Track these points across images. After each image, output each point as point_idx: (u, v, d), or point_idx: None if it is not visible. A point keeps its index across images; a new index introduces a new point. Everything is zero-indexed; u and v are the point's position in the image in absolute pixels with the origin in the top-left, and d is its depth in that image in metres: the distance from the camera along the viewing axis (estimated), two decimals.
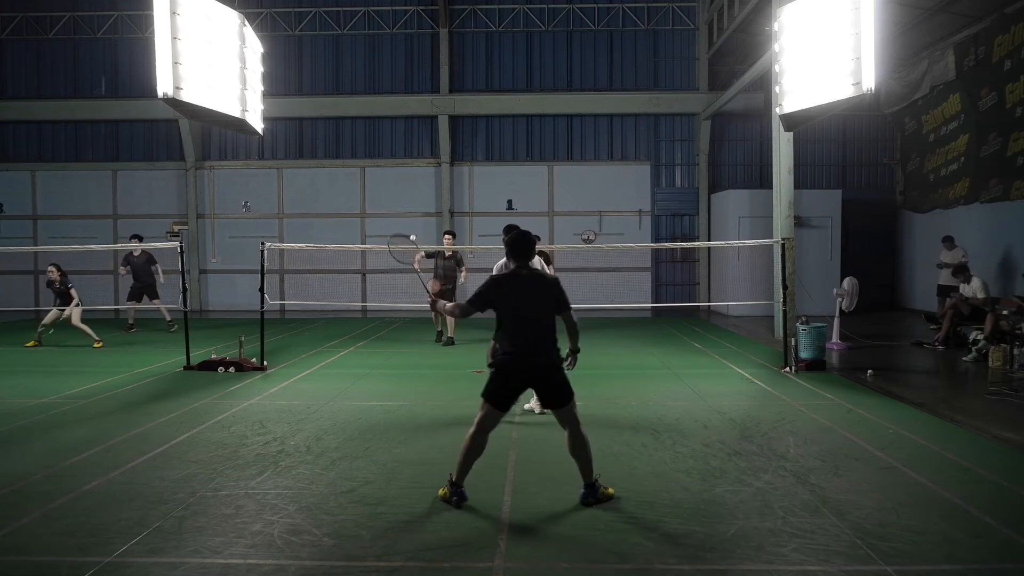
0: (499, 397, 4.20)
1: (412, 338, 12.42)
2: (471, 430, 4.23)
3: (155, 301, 13.45)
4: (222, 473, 4.86)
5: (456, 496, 4.21)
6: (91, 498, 4.39)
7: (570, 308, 4.41)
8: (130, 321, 13.50)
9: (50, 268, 11.56)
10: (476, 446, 4.22)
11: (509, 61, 17.43)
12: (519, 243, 4.45)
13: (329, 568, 3.46)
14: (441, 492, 4.31)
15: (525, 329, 4.22)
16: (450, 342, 11.33)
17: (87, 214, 17.60)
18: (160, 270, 13.47)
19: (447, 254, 11.47)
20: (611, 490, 4.38)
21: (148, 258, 13.42)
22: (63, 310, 11.47)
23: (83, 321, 11.50)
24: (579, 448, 4.28)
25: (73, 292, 11.52)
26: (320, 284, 16.83)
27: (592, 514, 4.14)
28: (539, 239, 11.64)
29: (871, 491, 4.47)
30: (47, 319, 11.55)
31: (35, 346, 11.33)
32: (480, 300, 4.27)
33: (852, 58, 7.48)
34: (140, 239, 13.61)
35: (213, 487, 4.57)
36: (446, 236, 11.83)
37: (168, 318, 13.35)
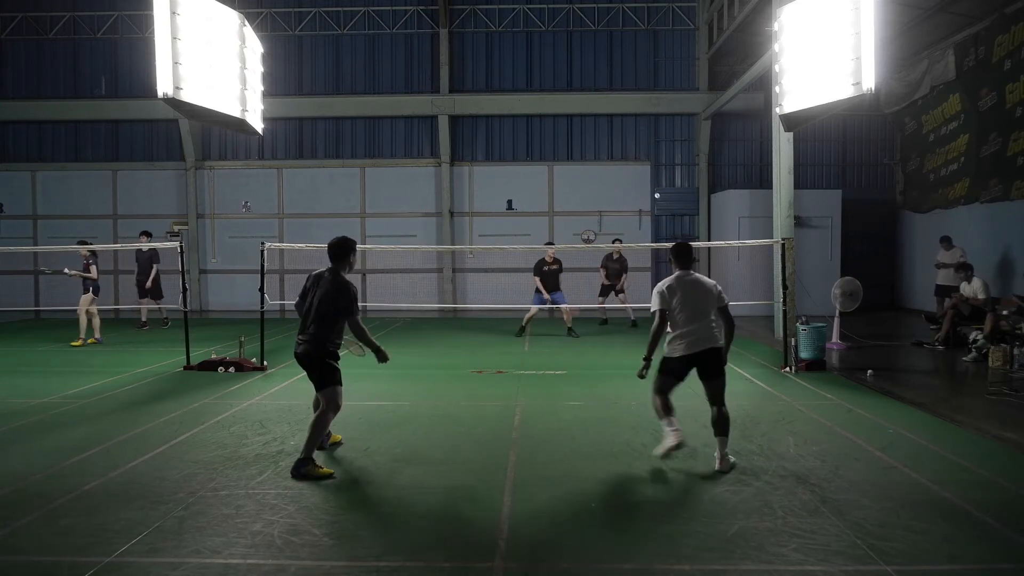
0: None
1: (412, 338, 12.42)
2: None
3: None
4: (222, 473, 4.86)
5: None
6: (91, 498, 4.39)
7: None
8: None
9: (83, 243, 11.83)
10: None
11: (509, 61, 17.43)
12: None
13: (329, 568, 3.46)
14: None
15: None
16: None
17: (87, 214, 17.58)
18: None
19: (615, 256, 14.02)
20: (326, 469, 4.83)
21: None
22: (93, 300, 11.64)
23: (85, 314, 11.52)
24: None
25: (93, 270, 11.62)
26: None
27: (592, 514, 4.14)
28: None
29: (871, 491, 4.47)
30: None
31: (95, 343, 11.45)
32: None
33: (852, 58, 7.47)
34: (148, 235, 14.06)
35: (213, 487, 4.57)
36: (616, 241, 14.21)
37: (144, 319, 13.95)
